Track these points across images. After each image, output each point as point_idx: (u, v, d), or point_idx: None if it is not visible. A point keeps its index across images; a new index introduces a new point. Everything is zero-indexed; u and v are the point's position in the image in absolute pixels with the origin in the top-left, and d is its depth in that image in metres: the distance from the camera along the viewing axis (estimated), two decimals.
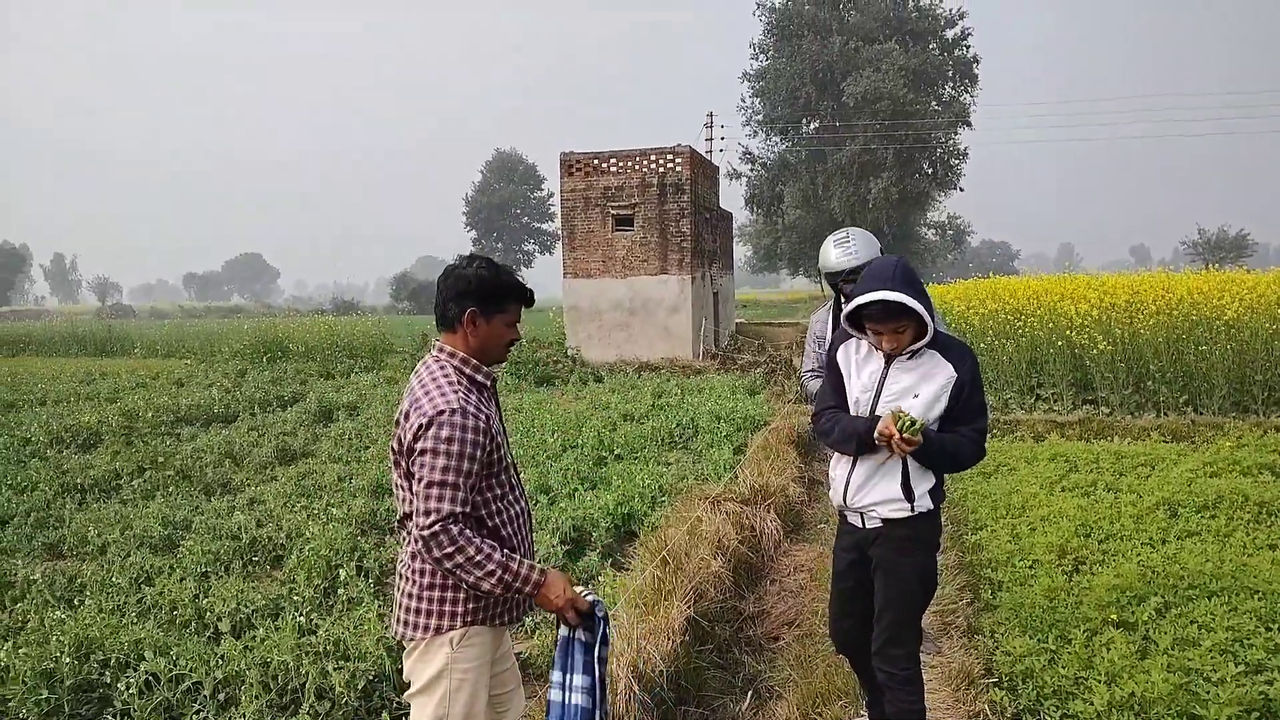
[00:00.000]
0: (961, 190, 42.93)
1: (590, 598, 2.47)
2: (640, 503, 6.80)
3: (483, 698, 2.41)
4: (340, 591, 4.87)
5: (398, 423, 2.38)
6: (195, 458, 9.03)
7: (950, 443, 2.78)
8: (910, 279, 2.74)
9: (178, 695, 3.77)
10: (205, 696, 3.76)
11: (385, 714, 3.59)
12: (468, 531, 2.25)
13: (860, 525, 2.95)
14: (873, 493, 2.87)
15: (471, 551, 2.23)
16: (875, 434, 2.75)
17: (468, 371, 2.43)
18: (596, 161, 20.26)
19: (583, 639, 2.46)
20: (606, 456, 8.74)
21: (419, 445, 2.26)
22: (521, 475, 8.00)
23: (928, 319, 2.71)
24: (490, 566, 2.25)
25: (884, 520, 2.87)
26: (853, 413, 2.95)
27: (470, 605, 2.35)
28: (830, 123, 41.47)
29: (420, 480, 2.25)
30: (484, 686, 2.41)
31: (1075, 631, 4.03)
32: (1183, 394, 10.31)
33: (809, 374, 4.10)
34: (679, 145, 19.76)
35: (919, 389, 2.80)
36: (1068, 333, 11.25)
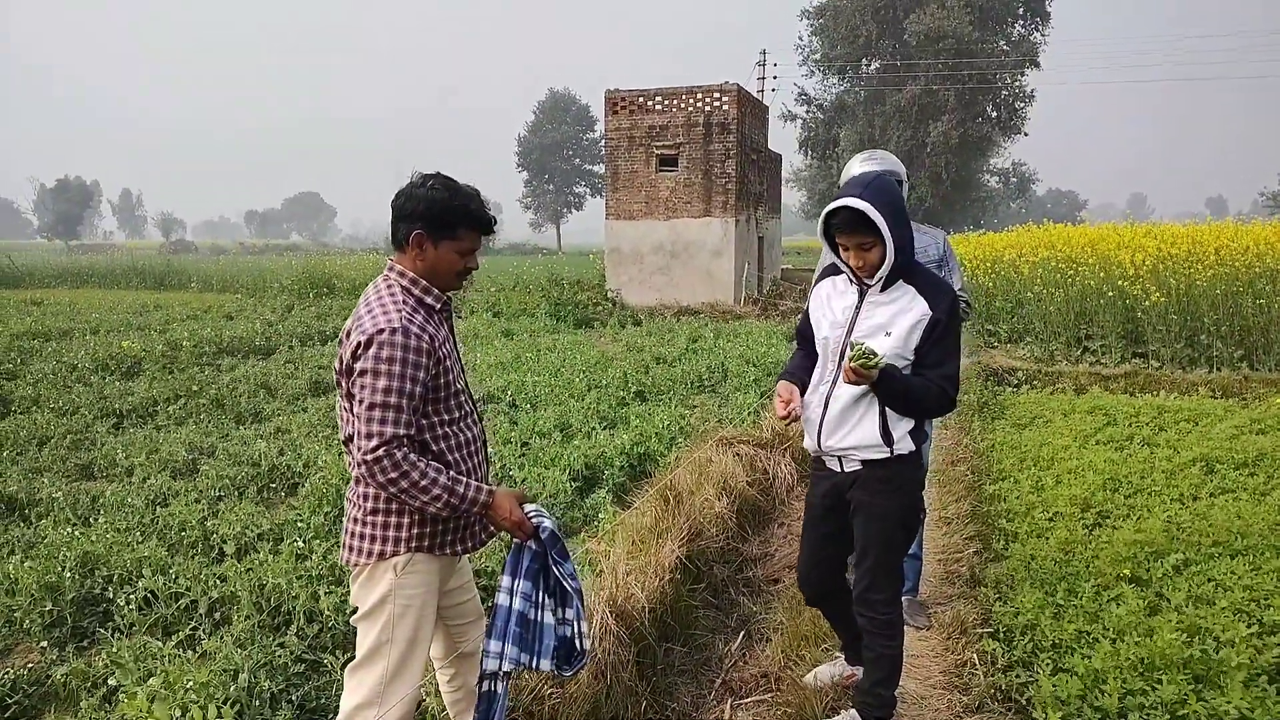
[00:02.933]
0: (1026, 135, 41.15)
1: (535, 519, 2.41)
2: (658, 443, 6.74)
3: (428, 625, 2.37)
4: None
5: (341, 341, 2.30)
6: (231, 387, 9.21)
7: (916, 385, 2.61)
8: (886, 195, 2.58)
9: (174, 611, 3.85)
10: (201, 614, 3.83)
11: None
12: (411, 455, 2.18)
13: (839, 469, 2.82)
14: (849, 436, 2.72)
15: (415, 476, 2.17)
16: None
17: (416, 292, 2.33)
18: (642, 100, 19.84)
19: (533, 547, 2.42)
20: (629, 397, 8.68)
21: (359, 365, 2.18)
22: (539, 412, 7.90)
23: (887, 237, 2.54)
24: (436, 491, 2.19)
25: (863, 462, 2.74)
26: (820, 350, 2.81)
27: (415, 531, 2.30)
28: (891, 62, 40.01)
29: (361, 402, 2.17)
30: (430, 614, 2.37)
31: (1084, 585, 3.88)
32: (1238, 349, 9.82)
33: None
34: (726, 83, 19.23)
35: (892, 326, 2.64)
36: (1120, 283, 10.78)
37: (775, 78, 37.68)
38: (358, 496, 2.33)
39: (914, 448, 2.70)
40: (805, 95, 43.09)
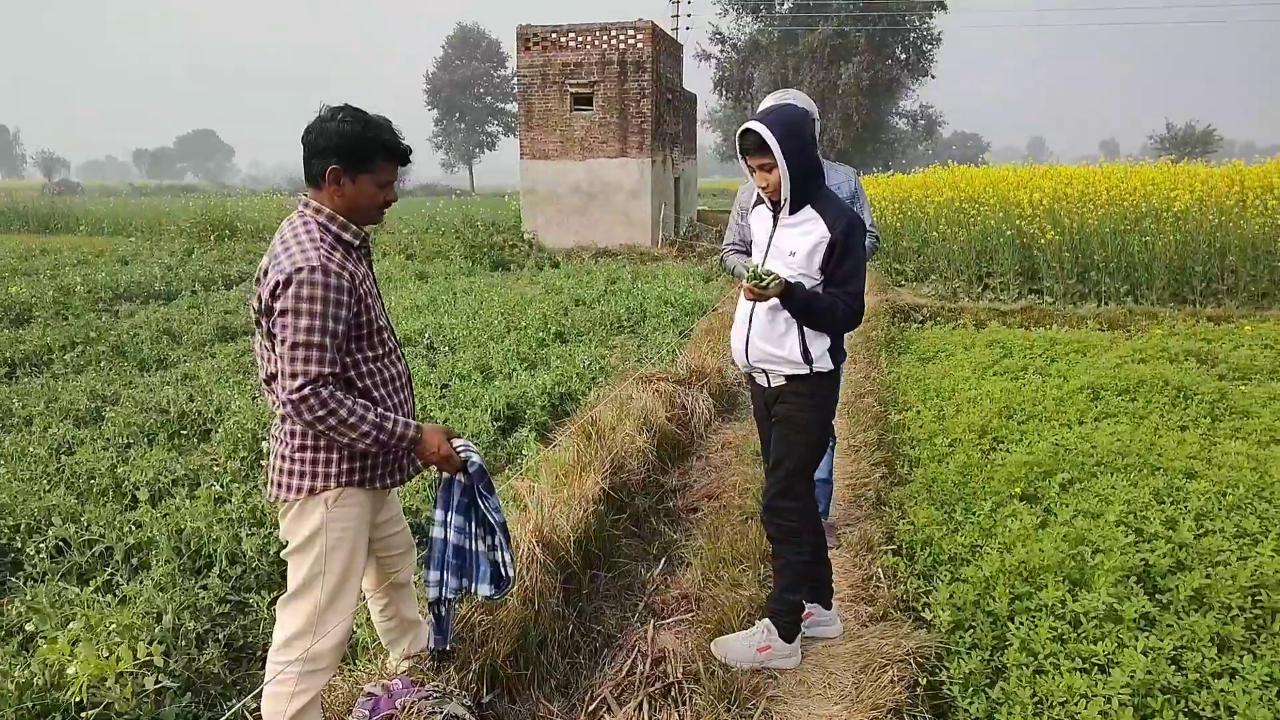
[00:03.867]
0: (934, 78, 41.95)
1: (464, 454, 2.46)
2: (579, 382, 6.82)
3: (360, 557, 2.41)
4: (264, 463, 4.85)
5: (258, 280, 2.27)
6: (132, 334, 8.86)
7: (819, 300, 2.79)
8: (785, 120, 2.75)
9: (89, 559, 3.78)
10: (117, 561, 3.78)
11: None
12: (337, 393, 2.20)
13: (767, 384, 3.00)
14: (772, 351, 2.90)
15: (344, 413, 2.19)
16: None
17: (333, 229, 2.31)
18: (555, 35, 19.44)
19: (462, 480, 2.50)
20: (549, 339, 8.72)
21: (278, 305, 2.16)
22: (458, 354, 7.87)
23: (779, 158, 2.70)
24: (364, 428, 2.22)
25: (786, 378, 2.92)
26: None
27: (344, 466, 2.33)
28: (804, 1, 40.00)
29: (284, 342, 2.16)
30: (361, 547, 2.41)
31: (981, 504, 4.16)
32: (1124, 284, 10.43)
33: (729, 247, 4.02)
34: (640, 20, 18.98)
35: (796, 247, 2.83)
36: (1018, 222, 11.26)
37: (689, 15, 37.14)
38: (284, 434, 2.34)
39: (833, 366, 2.88)
40: (720, 34, 42.78)
